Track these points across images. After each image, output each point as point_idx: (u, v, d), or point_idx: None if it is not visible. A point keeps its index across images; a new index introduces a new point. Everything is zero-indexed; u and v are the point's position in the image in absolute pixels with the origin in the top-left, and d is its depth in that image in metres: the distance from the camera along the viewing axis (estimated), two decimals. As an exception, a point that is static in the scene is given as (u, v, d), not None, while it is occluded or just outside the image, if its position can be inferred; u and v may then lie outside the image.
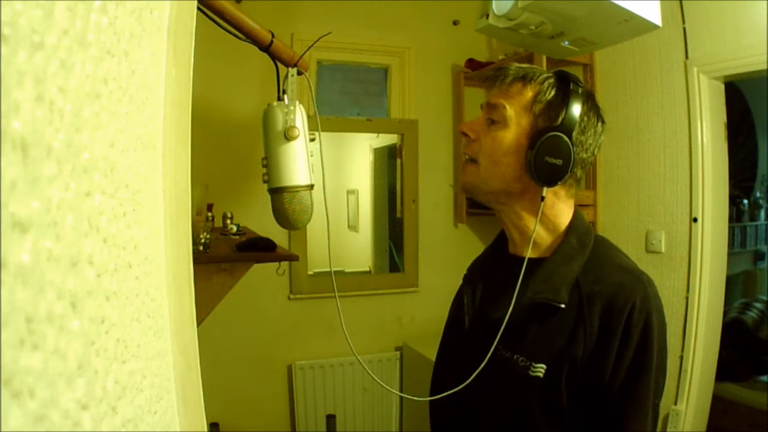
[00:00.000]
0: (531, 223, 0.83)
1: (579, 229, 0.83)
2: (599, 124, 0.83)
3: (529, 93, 0.80)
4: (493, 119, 0.81)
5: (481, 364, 0.77)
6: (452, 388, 0.79)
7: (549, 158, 0.76)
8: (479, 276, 0.94)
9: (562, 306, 0.75)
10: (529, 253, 0.81)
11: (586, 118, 0.80)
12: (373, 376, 0.95)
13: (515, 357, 0.78)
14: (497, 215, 0.88)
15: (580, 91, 0.80)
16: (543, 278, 0.78)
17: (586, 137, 0.81)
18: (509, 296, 0.79)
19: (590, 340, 0.74)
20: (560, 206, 0.83)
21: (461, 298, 0.93)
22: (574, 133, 0.78)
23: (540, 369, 0.75)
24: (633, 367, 0.73)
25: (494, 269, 0.92)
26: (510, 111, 0.80)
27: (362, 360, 0.90)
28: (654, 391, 0.74)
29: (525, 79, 0.81)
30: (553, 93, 0.80)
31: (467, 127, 0.85)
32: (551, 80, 0.81)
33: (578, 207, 0.87)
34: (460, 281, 0.98)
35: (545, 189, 0.79)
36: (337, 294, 0.90)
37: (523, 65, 0.83)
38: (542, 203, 0.80)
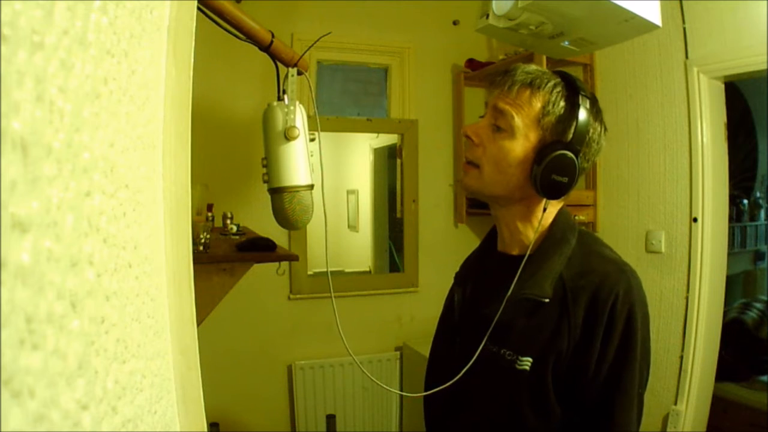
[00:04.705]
0: (523, 226, 0.85)
1: (562, 224, 0.85)
2: (603, 132, 0.83)
3: (537, 103, 0.79)
4: (499, 126, 0.81)
5: (471, 359, 0.79)
6: (444, 384, 0.81)
7: (556, 176, 0.77)
8: (470, 274, 0.95)
9: (546, 300, 0.77)
10: (516, 251, 0.86)
11: (592, 130, 0.80)
12: (369, 375, 0.95)
13: (502, 351, 0.80)
14: (492, 213, 0.90)
15: (588, 103, 0.79)
16: (528, 274, 0.80)
17: (590, 149, 0.81)
18: (498, 293, 0.81)
19: (575, 333, 0.75)
20: (551, 209, 0.85)
21: (452, 297, 0.95)
22: (580, 148, 0.79)
23: (526, 362, 0.77)
24: (617, 358, 0.74)
25: (484, 267, 0.94)
26: (518, 122, 0.79)
27: (362, 360, 0.91)
28: (639, 381, 0.76)
29: (533, 86, 0.79)
30: (561, 105, 0.79)
31: (472, 131, 0.84)
32: (559, 89, 0.80)
33: (566, 206, 0.89)
34: (452, 280, 1.00)
35: (546, 200, 0.81)
36: (333, 295, 0.90)
37: (530, 69, 0.82)
38: (543, 214, 0.82)
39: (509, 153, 0.79)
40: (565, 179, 0.77)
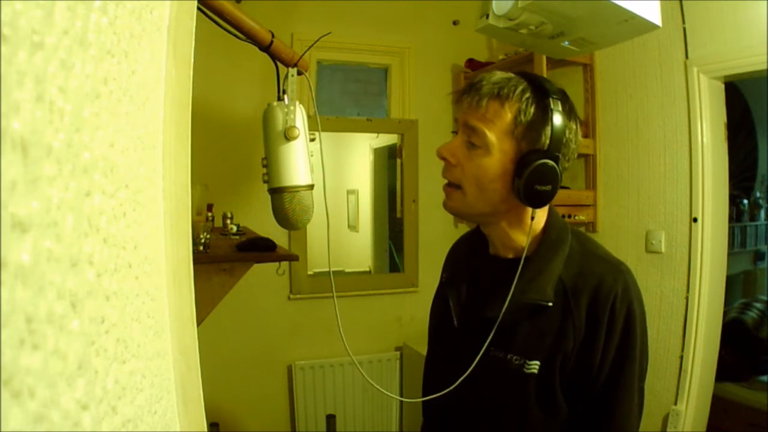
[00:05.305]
0: (514, 234, 0.84)
1: (555, 225, 0.85)
2: (578, 128, 0.81)
3: (508, 114, 0.77)
4: (473, 143, 0.79)
5: (474, 363, 0.79)
6: (446, 388, 0.81)
7: (538, 186, 0.76)
8: (462, 276, 0.93)
9: (550, 304, 0.77)
10: (511, 255, 0.85)
11: (568, 131, 0.78)
12: (369, 379, 0.95)
13: (509, 356, 0.80)
14: (482, 228, 0.90)
15: (560, 105, 0.77)
16: (528, 278, 0.80)
17: (569, 149, 0.79)
18: (496, 297, 0.81)
19: (579, 333, 0.76)
20: (539, 213, 0.83)
21: (445, 299, 0.93)
22: (559, 153, 0.77)
23: (534, 366, 0.77)
24: (619, 354, 0.76)
25: (476, 269, 0.92)
26: (491, 137, 0.77)
27: (362, 360, 0.91)
28: (639, 375, 0.77)
29: (501, 97, 0.77)
30: (532, 111, 0.76)
31: (447, 152, 0.82)
32: (528, 95, 0.77)
33: (554, 206, 0.88)
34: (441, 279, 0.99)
35: (533, 209, 0.80)
36: (335, 295, 0.90)
37: (495, 78, 0.79)
38: (532, 222, 0.81)
39: (488, 170, 0.78)
40: (549, 187, 0.76)
